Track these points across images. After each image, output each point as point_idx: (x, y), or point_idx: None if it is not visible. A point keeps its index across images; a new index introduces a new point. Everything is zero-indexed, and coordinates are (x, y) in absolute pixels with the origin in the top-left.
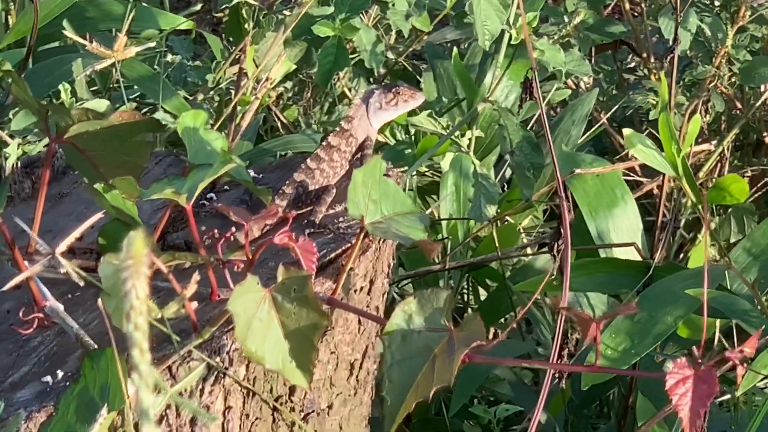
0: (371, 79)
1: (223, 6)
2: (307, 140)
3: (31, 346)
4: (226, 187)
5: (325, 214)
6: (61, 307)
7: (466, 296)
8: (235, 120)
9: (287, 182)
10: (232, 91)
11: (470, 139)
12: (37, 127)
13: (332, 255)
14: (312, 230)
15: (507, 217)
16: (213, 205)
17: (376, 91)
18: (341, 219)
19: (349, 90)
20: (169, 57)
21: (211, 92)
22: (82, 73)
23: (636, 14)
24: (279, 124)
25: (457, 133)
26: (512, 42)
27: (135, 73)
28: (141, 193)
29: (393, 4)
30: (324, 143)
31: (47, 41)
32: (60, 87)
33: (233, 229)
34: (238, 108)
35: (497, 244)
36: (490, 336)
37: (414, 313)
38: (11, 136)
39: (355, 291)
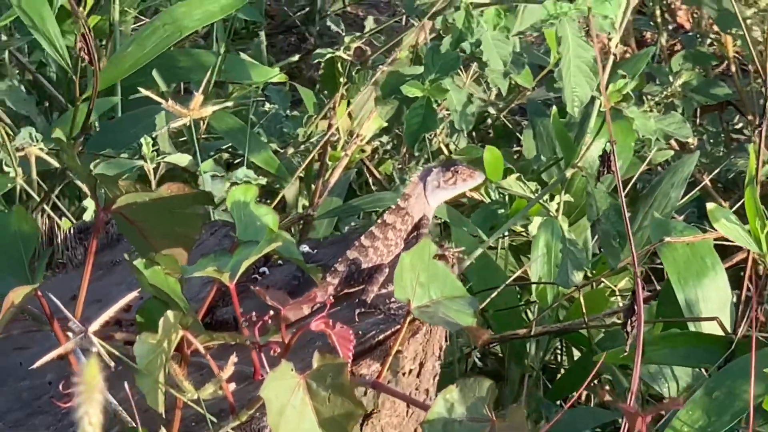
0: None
1: (316, 60)
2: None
3: (69, 420)
4: (279, 261)
5: (376, 294)
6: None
7: (559, 356)
8: (324, 176)
9: (340, 259)
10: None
11: (559, 204)
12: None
13: (380, 336)
14: (363, 310)
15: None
16: (263, 281)
17: (434, 169)
18: (392, 299)
19: (446, 146)
20: (267, 106)
21: (302, 146)
22: (161, 129)
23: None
24: (371, 179)
25: (547, 196)
26: (602, 109)
27: (224, 126)
28: (183, 270)
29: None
30: (379, 221)
31: (136, 90)
32: (142, 140)
33: (271, 312)
34: (329, 163)
35: (584, 310)
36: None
37: (456, 401)
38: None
39: (404, 374)
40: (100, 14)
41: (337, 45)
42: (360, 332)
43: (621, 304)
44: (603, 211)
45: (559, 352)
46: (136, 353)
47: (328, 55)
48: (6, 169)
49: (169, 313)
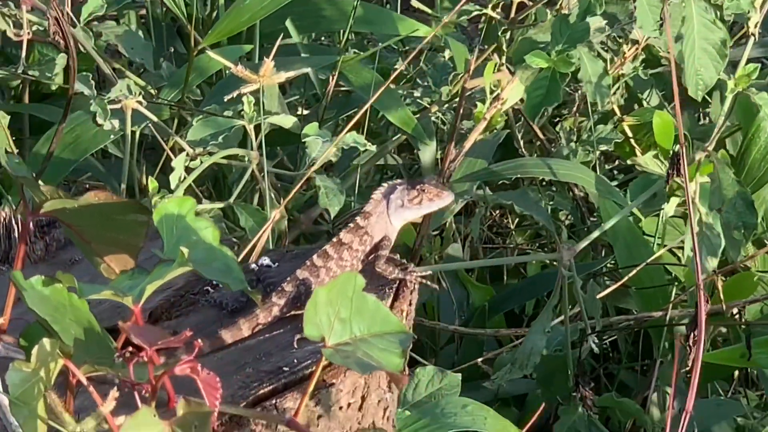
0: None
1: (462, 17)
2: (541, 165)
3: None
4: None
5: None
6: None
7: None
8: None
9: (289, 279)
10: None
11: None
12: (213, 138)
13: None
14: (302, 336)
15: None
16: (212, 294)
17: (399, 186)
18: None
19: (619, 107)
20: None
21: (445, 106)
22: (233, 93)
23: None
24: (521, 143)
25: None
26: (728, 93)
27: (360, 80)
28: (80, 290)
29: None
30: (334, 239)
31: (271, 37)
32: (244, 99)
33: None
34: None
35: (722, 297)
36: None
37: None
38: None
39: (341, 408)
40: None
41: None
42: (295, 360)
43: None
44: (729, 199)
45: None
46: (8, 382)
47: (475, 12)
48: (99, 121)
49: (45, 341)
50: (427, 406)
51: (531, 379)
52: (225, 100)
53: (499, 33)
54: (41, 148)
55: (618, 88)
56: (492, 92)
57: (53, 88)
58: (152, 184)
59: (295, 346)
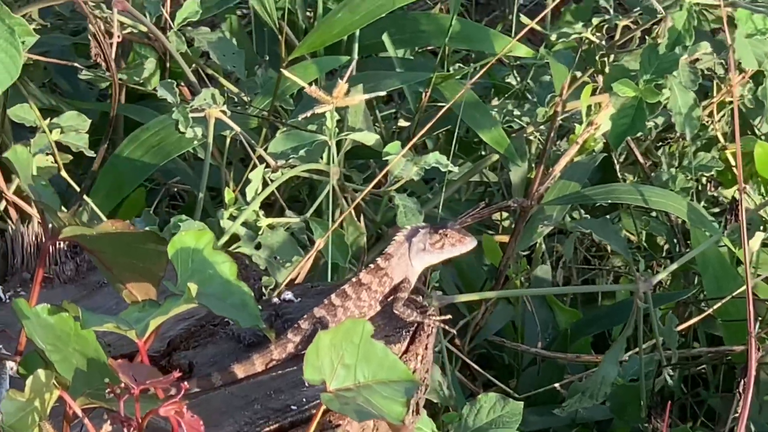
0: None
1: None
2: (633, 191)
3: None
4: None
5: None
6: None
7: None
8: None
9: (306, 316)
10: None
11: None
12: (294, 152)
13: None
14: None
15: None
16: (231, 326)
17: (421, 230)
18: None
19: (723, 135)
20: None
21: (541, 126)
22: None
23: None
24: (617, 167)
25: None
26: None
27: (454, 96)
28: (84, 321)
29: None
30: (354, 279)
31: (370, 49)
32: (327, 114)
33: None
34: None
35: None
36: None
37: None
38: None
39: None
40: None
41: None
42: (304, 399)
43: None
44: None
45: None
46: (2, 410)
47: (574, 35)
48: (181, 129)
49: (40, 372)
50: None
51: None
52: (299, 118)
53: (597, 57)
54: (123, 150)
55: (723, 115)
56: (588, 116)
57: (149, 89)
58: (228, 195)
59: (306, 385)
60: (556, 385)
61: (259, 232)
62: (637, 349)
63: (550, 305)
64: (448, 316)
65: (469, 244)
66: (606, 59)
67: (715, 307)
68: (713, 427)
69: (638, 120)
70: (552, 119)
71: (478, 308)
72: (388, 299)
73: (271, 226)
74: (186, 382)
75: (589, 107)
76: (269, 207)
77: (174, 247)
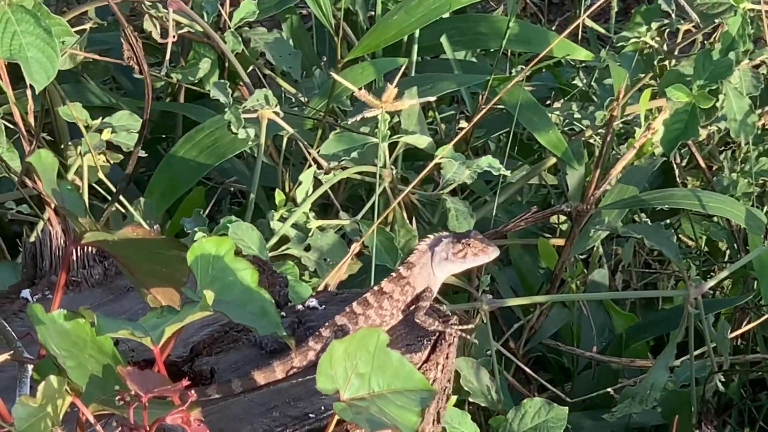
0: None
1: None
2: (691, 197)
3: None
4: (314, 304)
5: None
6: None
7: None
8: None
9: (327, 324)
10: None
11: None
12: (345, 154)
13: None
14: None
15: None
16: (254, 333)
17: (444, 239)
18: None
19: None
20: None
21: (600, 130)
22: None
23: None
24: (677, 170)
25: None
26: None
27: (513, 99)
28: (99, 327)
29: None
30: (375, 287)
31: (429, 50)
32: (380, 117)
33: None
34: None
35: None
36: None
37: None
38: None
39: None
40: None
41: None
42: (322, 408)
43: None
44: None
45: None
46: (14, 416)
47: (633, 40)
48: (233, 130)
49: (52, 378)
50: None
51: None
52: (349, 121)
53: (655, 62)
54: (179, 150)
55: None
56: (647, 120)
57: (207, 89)
58: (279, 196)
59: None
60: (610, 389)
61: (309, 234)
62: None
63: (606, 309)
64: (471, 326)
65: (492, 254)
66: (667, 64)
67: None
68: None
69: (691, 125)
70: (608, 122)
71: (534, 311)
72: (410, 308)
73: (321, 228)
74: (206, 389)
75: (649, 111)
76: (327, 209)
77: (194, 253)
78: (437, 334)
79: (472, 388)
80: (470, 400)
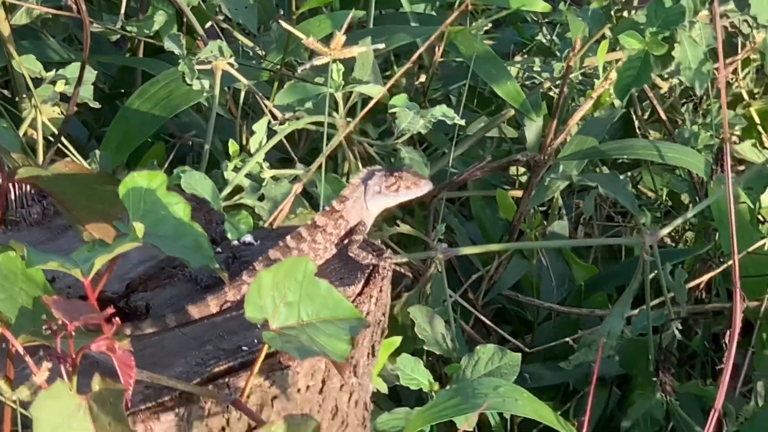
0: None
1: None
2: (650, 147)
3: None
4: (249, 239)
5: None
6: None
7: None
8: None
9: (261, 258)
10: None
11: None
12: (300, 104)
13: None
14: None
15: None
16: (190, 269)
17: (377, 173)
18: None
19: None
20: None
21: (558, 82)
22: (306, 65)
23: None
24: (637, 122)
25: None
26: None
27: (469, 50)
28: (29, 260)
29: None
30: (309, 221)
31: (387, 4)
32: (333, 66)
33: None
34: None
35: None
36: None
37: None
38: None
39: (298, 390)
40: None
41: None
42: (255, 340)
43: None
44: None
45: None
46: None
47: None
48: (187, 81)
49: None
50: (460, 385)
51: None
52: (299, 70)
53: (612, 12)
54: (134, 103)
55: (747, 72)
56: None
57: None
58: (233, 146)
59: (258, 326)
60: (568, 339)
61: (263, 184)
62: (652, 303)
63: (566, 260)
64: (404, 259)
65: (425, 186)
66: (626, 15)
67: (729, 263)
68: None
69: (644, 72)
70: (565, 73)
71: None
72: (344, 242)
73: (275, 178)
74: (141, 324)
75: (608, 63)
76: (287, 164)
77: (125, 187)
78: (371, 267)
79: (426, 336)
80: (425, 348)
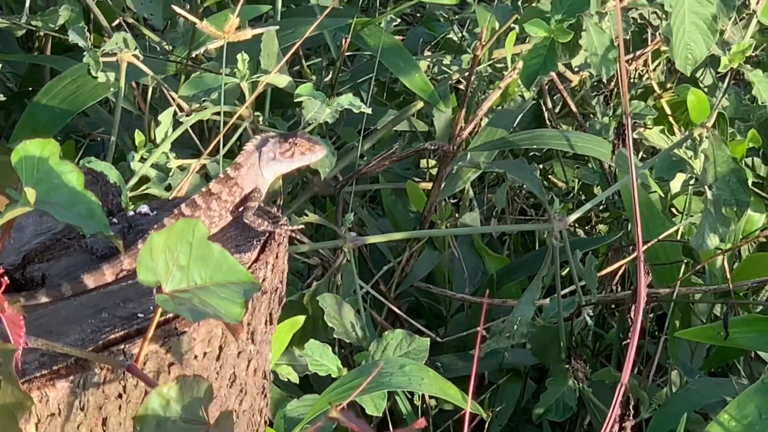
0: None
1: None
2: (559, 137)
3: None
4: (145, 210)
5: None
6: None
7: None
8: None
9: (156, 226)
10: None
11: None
12: (205, 95)
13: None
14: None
15: None
16: (86, 240)
17: (271, 139)
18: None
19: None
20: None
21: (466, 73)
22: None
23: None
24: (547, 114)
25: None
26: (721, 69)
27: (376, 42)
28: None
29: None
30: (204, 189)
31: None
32: (238, 56)
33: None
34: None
35: (728, 276)
36: None
37: (173, 399)
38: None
39: (195, 357)
40: None
41: None
42: (151, 307)
43: None
44: (722, 176)
45: None
46: None
47: None
48: (93, 73)
49: None
50: (365, 365)
51: None
52: (193, 55)
53: (519, 2)
54: (41, 99)
55: (658, 64)
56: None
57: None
58: (139, 137)
59: (155, 293)
60: (479, 329)
61: (170, 174)
62: (563, 291)
63: (478, 252)
64: (301, 226)
65: (319, 152)
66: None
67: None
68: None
69: (550, 60)
70: (472, 64)
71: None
72: (239, 209)
73: (181, 168)
74: (36, 293)
75: (517, 55)
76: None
77: (18, 155)
78: (266, 234)
79: (335, 324)
80: (335, 336)
